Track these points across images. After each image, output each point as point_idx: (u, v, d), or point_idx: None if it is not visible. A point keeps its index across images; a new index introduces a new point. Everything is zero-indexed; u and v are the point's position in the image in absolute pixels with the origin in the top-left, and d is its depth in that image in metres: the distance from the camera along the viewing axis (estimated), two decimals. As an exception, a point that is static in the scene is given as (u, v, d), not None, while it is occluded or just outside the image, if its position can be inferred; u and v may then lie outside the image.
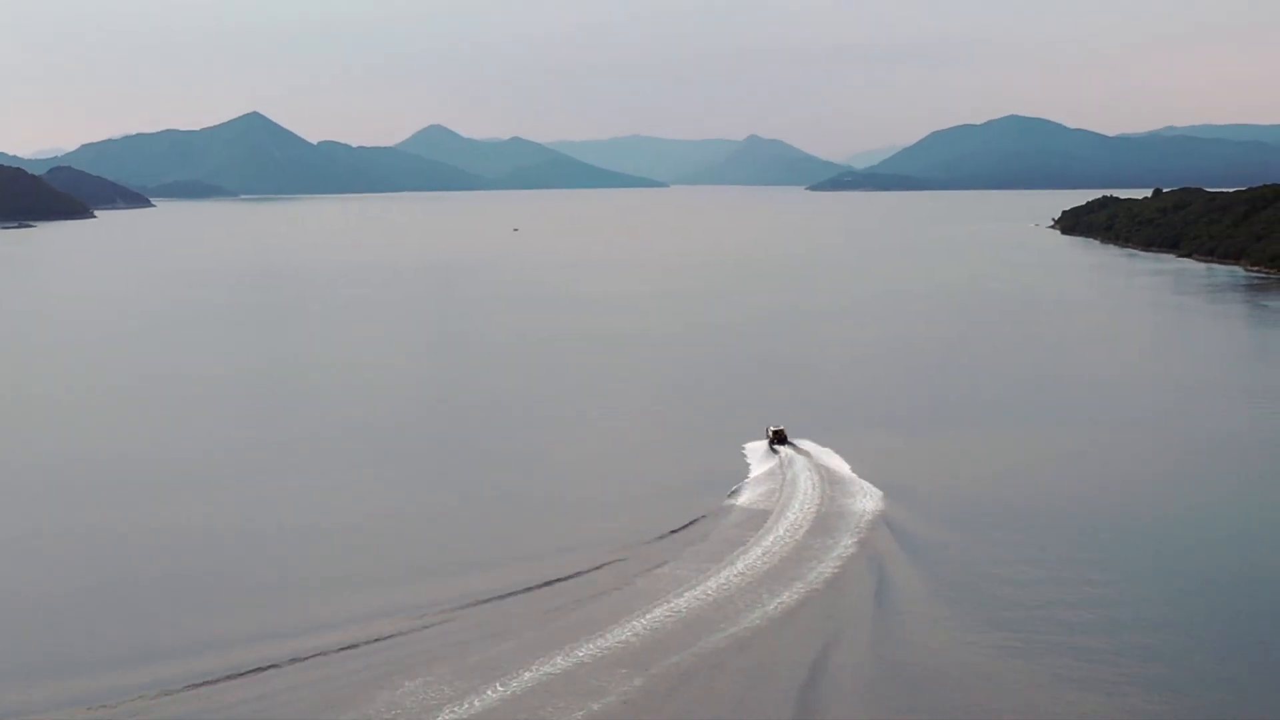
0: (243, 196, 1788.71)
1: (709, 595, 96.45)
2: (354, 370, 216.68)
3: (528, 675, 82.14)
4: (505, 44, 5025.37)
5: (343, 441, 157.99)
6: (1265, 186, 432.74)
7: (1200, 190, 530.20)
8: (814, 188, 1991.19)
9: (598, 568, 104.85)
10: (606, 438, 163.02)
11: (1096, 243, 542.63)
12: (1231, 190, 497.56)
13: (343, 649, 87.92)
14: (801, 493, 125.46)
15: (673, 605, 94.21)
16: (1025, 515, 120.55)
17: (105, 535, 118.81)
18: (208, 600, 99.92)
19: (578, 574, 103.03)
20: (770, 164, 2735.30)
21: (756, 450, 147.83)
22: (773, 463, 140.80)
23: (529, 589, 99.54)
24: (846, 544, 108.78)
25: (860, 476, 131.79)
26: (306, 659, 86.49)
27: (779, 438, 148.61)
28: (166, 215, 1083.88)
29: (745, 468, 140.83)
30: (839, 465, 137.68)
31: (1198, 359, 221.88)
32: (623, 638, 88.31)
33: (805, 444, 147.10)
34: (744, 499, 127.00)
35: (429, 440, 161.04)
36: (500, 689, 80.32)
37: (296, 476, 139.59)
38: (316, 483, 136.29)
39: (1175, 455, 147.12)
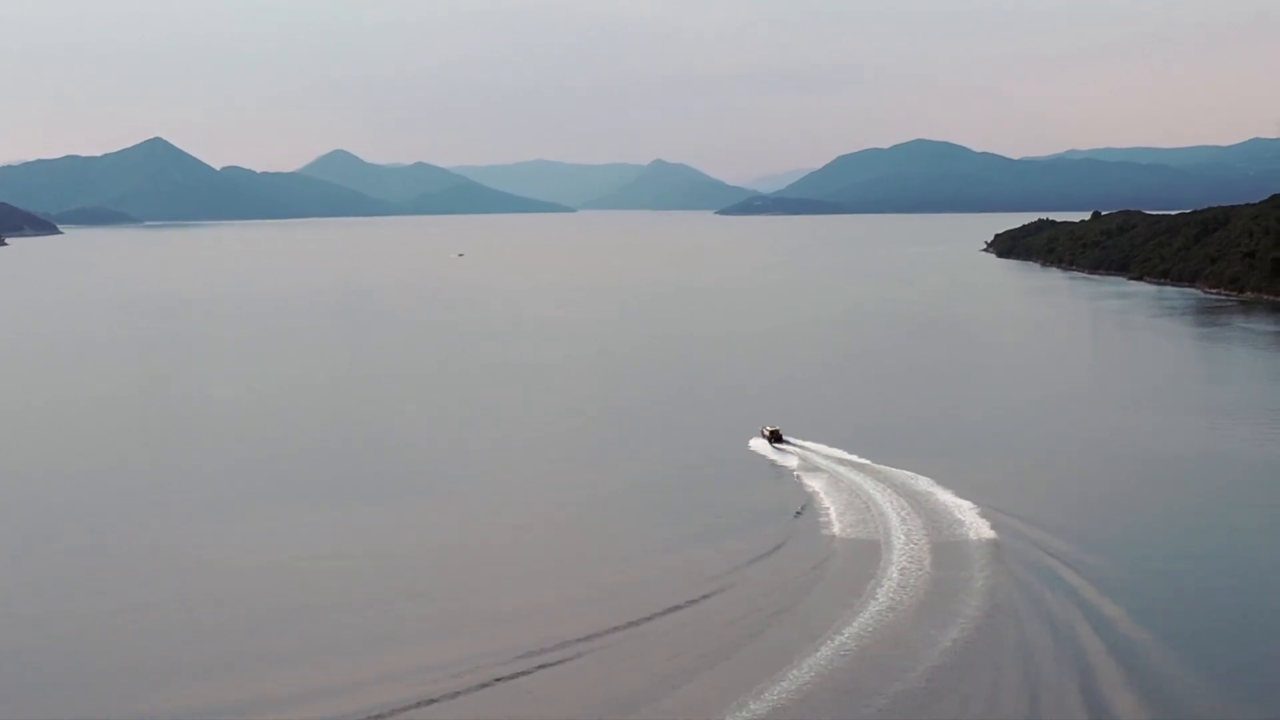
0: (147, 223, 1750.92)
1: (869, 631, 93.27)
2: (371, 398, 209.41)
3: (730, 721, 78.44)
4: (408, 70, 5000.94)
5: (372, 479, 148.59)
6: (1214, 208, 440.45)
7: (1140, 213, 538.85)
8: (723, 211, 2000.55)
9: (705, 599, 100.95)
10: (616, 448, 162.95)
11: (1037, 266, 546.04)
12: (1174, 213, 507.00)
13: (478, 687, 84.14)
14: (887, 510, 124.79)
15: (838, 643, 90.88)
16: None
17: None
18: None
19: (692, 607, 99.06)
20: (676, 188, 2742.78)
21: (765, 448, 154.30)
22: (796, 462, 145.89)
23: (652, 621, 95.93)
24: (979, 575, 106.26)
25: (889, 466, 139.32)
26: (462, 693, 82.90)
27: (775, 436, 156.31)
28: (79, 242, 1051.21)
29: (776, 469, 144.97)
30: (860, 460, 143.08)
31: (1209, 377, 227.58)
32: (805, 680, 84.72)
33: (797, 440, 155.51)
34: (816, 506, 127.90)
35: (449, 475, 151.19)
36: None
37: (368, 507, 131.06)
38: (399, 518, 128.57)
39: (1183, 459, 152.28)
